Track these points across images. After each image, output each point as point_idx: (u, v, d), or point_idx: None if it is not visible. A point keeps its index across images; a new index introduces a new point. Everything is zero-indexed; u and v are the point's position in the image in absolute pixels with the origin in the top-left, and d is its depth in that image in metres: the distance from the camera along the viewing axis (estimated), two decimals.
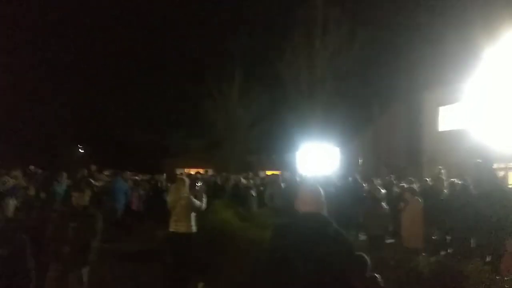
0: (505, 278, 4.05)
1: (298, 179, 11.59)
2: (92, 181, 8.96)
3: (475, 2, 13.95)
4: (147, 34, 38.21)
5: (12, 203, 4.75)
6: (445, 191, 8.12)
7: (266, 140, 18.43)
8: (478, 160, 6.72)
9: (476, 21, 12.36)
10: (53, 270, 4.44)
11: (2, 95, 21.60)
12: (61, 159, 23.39)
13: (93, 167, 11.43)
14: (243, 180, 11.23)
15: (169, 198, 6.37)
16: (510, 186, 8.25)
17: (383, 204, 7.68)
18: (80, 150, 31.99)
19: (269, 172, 20.06)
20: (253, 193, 10.04)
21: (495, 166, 13.40)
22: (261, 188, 11.25)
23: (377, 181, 10.17)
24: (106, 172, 12.06)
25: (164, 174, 14.36)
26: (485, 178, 6.32)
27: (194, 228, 6.23)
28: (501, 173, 13.64)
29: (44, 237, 4.70)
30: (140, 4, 36.93)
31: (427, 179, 10.54)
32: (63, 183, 8.59)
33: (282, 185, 10.74)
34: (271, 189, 10.69)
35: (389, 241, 7.90)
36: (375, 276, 3.16)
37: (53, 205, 6.59)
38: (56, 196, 7.85)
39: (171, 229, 6.17)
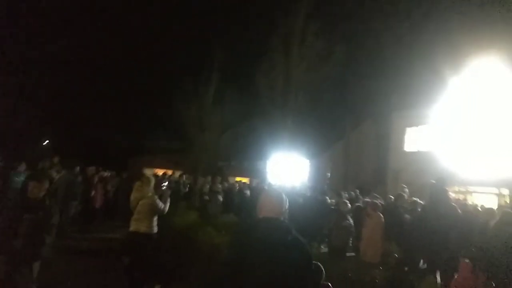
0: None
1: (266, 187, 11.65)
2: (54, 173, 8.64)
3: (443, 32, 14.68)
4: (121, 33, 37.51)
5: None
6: (405, 209, 8.37)
7: (238, 147, 18.46)
8: (433, 181, 6.97)
9: (444, 50, 13.00)
10: (2, 262, 4.24)
11: None
12: (24, 150, 22.45)
13: (56, 159, 11.03)
14: (211, 185, 11.18)
15: (132, 196, 6.20)
16: (466, 208, 8.59)
17: (348, 217, 7.84)
18: (44, 142, 30.83)
19: (238, 179, 20.04)
20: (220, 198, 9.99)
21: (456, 188, 14.03)
22: (228, 193, 11.21)
23: (344, 195, 10.37)
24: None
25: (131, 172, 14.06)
26: (439, 198, 6.56)
27: (155, 229, 6.09)
28: (460, 196, 14.26)
29: None
30: (115, 7, 36.27)
31: (391, 196, 10.85)
32: (21, 173, 8.23)
33: (249, 192, 10.76)
34: (238, 195, 10.70)
35: (349, 254, 8.04)
36: (329, 286, 3.21)
37: (8, 195, 6.29)
38: (12, 186, 7.52)
39: (131, 228, 5.99)
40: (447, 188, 6.88)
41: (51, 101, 27.48)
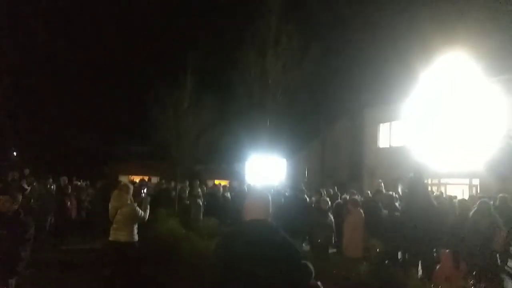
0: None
1: (246, 188, 11.62)
2: (25, 185, 8.29)
3: (413, 27, 15.13)
4: (93, 39, 36.61)
5: None
6: (383, 204, 8.54)
7: (215, 149, 18.29)
8: (411, 174, 7.15)
9: (414, 44, 13.39)
10: None
11: None
12: None
13: (27, 171, 10.62)
14: (190, 189, 11.04)
15: (111, 205, 6.03)
16: (442, 199, 8.87)
17: (329, 215, 7.93)
18: (13, 153, 29.62)
19: (217, 182, 19.91)
20: (200, 202, 9.88)
21: (429, 181, 14.45)
22: (208, 197, 11.11)
23: (324, 192, 10.49)
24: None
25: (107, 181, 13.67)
26: (417, 191, 6.73)
27: (135, 237, 5.96)
28: (434, 188, 14.71)
29: None
30: (94, 8, 35.37)
31: (368, 192, 11.07)
32: None
33: (230, 194, 10.69)
34: (220, 199, 10.62)
35: (332, 250, 8.14)
36: (317, 285, 3.22)
37: None
38: None
39: (111, 238, 5.85)
40: (425, 182, 7.06)
41: (18, 110, 26.48)
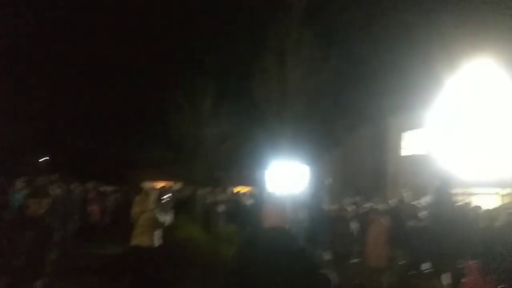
0: None
1: (266, 196, 11.58)
2: (52, 190, 8.54)
3: (438, 33, 14.82)
4: (118, 45, 37.63)
5: None
6: (407, 214, 8.33)
7: (236, 156, 18.41)
8: (438, 184, 6.96)
9: (439, 51, 13.09)
10: (3, 282, 4.16)
11: None
12: (23, 167, 22.31)
13: (55, 175, 10.95)
14: (211, 195, 11.10)
15: (133, 210, 6.15)
16: (468, 210, 8.57)
17: (351, 224, 7.81)
18: (43, 158, 30.70)
19: (238, 188, 19.95)
20: (221, 208, 9.92)
21: (454, 191, 14.01)
22: (229, 204, 11.13)
23: (345, 201, 10.34)
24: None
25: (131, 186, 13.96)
26: (443, 201, 6.55)
27: (157, 243, 6.04)
28: (461, 198, 14.24)
29: None
30: (113, 13, 36.41)
31: (391, 201, 10.83)
32: (21, 191, 8.13)
33: (251, 201, 10.69)
34: (238, 205, 10.63)
35: (354, 260, 7.98)
36: None
37: (8, 213, 6.21)
38: (12, 204, 7.43)
39: (132, 243, 5.95)
40: (451, 191, 6.87)
41: (48, 117, 27.45)
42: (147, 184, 18.23)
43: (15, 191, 8.03)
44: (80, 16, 34.35)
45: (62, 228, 7.43)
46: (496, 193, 15.05)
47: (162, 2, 39.78)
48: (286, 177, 14.63)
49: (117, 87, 31.73)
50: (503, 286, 4.09)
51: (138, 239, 5.92)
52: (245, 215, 9.87)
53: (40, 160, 29.68)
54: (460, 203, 8.43)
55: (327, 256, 8.54)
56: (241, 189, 17.16)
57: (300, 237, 2.54)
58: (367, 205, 10.10)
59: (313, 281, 2.45)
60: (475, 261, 4.36)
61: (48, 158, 29.60)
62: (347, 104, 19.94)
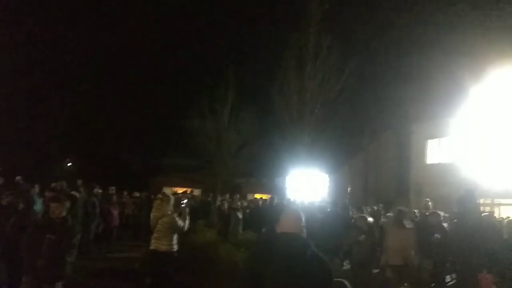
0: None
1: (285, 203, 11.51)
2: (75, 194, 8.77)
3: (463, 41, 14.47)
4: (139, 54, 38.54)
5: None
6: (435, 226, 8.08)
7: (256, 163, 18.43)
8: (463, 194, 6.75)
9: (464, 58, 12.78)
10: (26, 283, 4.27)
11: None
12: (48, 171, 23.04)
13: (79, 181, 11.23)
14: (229, 202, 11.12)
15: (152, 215, 6.23)
16: (492, 221, 8.27)
17: (369, 232, 7.64)
18: (67, 164, 31.62)
19: (258, 196, 19.93)
20: (239, 215, 9.92)
21: (481, 201, 13.56)
22: (247, 210, 11.14)
23: (366, 210, 10.15)
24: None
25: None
26: (468, 211, 6.34)
27: (175, 247, 6.08)
28: (486, 208, 13.75)
29: (19, 248, 4.56)
30: (134, 21, 37.38)
31: (415, 210, 10.56)
32: (44, 195, 8.37)
33: (268, 207, 10.64)
34: (256, 211, 10.61)
35: (375, 271, 7.80)
36: None
37: (31, 216, 6.40)
38: (37, 207, 7.65)
39: (151, 247, 6.02)
40: (477, 201, 6.64)
41: (74, 123, 28.29)
42: (167, 190, 18.48)
43: (38, 195, 8.27)
44: (113, 27, 35.38)
45: (83, 231, 7.58)
46: None
47: (183, 12, 40.54)
48: (305, 185, 14.52)
49: (141, 97, 32.48)
50: None
51: (157, 243, 5.98)
52: (261, 221, 9.84)
53: (66, 165, 30.60)
54: (485, 213, 8.14)
55: (346, 265, 8.39)
56: (260, 196, 17.13)
57: (316, 245, 2.50)
58: (389, 214, 9.89)
59: (326, 286, 2.41)
60: (488, 274, 4.19)
61: (72, 163, 30.49)
62: (370, 110, 19.67)
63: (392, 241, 6.51)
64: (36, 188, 8.63)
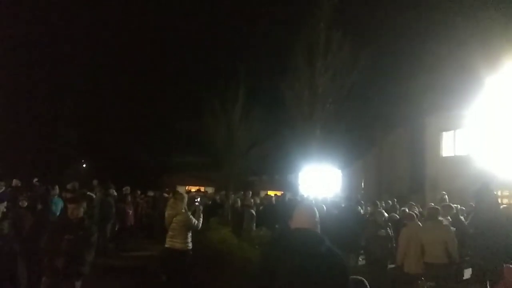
0: None
1: (299, 199, 11.50)
2: (91, 195, 8.91)
3: (478, 30, 14.16)
4: (150, 53, 38.82)
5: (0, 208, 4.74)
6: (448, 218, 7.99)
7: (268, 160, 18.43)
8: (479, 186, 6.63)
9: (479, 48, 12.51)
10: (45, 282, 4.37)
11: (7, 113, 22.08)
12: (64, 173, 23.48)
13: (95, 182, 11.42)
14: (242, 199, 11.14)
15: (166, 213, 6.30)
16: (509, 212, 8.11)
17: (386, 228, 7.58)
18: (83, 165, 32.17)
19: (270, 193, 19.93)
20: (252, 212, 9.94)
21: (498, 192, 13.31)
22: (260, 207, 11.15)
23: (381, 205, 10.06)
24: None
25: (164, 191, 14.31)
26: (485, 203, 6.23)
27: (189, 245, 6.14)
28: (504, 200, 13.50)
29: (38, 248, 4.67)
30: (144, 20, 37.58)
31: (432, 204, 10.42)
32: (62, 196, 8.53)
33: (281, 204, 10.63)
34: (269, 208, 10.61)
35: (390, 266, 7.74)
36: None
37: (49, 216, 6.54)
38: (55, 209, 7.80)
39: (166, 245, 6.09)
40: (494, 194, 6.51)
41: (89, 125, 28.74)
42: (180, 188, 18.62)
43: (56, 196, 8.42)
44: (128, 29, 35.70)
45: (100, 230, 7.71)
46: None
47: (194, 10, 40.70)
48: (318, 181, 14.47)
49: (154, 97, 32.76)
50: None
51: (172, 241, 6.05)
52: (275, 217, 9.84)
53: (81, 166, 31.13)
54: (504, 206, 8.00)
55: (361, 261, 8.35)
56: (273, 193, 17.12)
57: (331, 241, 2.48)
58: (403, 208, 9.79)
59: (342, 282, 2.39)
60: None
61: (87, 164, 31.00)
62: (382, 103, 19.42)
63: (428, 238, 6.31)
64: (56, 190, 8.80)
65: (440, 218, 6.60)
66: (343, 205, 10.41)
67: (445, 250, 6.03)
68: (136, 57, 38.05)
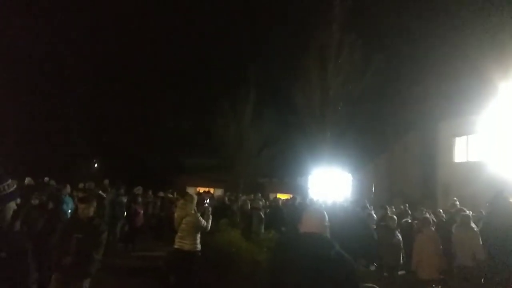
0: None
1: (308, 203, 11.43)
2: (102, 194, 8.99)
3: (491, 36, 13.95)
4: (163, 54, 39.15)
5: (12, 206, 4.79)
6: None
7: (278, 163, 18.39)
8: (495, 193, 6.54)
9: (492, 54, 12.33)
10: (55, 280, 4.41)
11: (21, 112, 22.45)
12: (76, 172, 23.74)
13: (106, 181, 11.51)
14: (252, 201, 11.11)
15: (176, 214, 6.32)
16: None
17: (396, 233, 7.48)
18: (94, 165, 32.50)
19: (280, 195, 19.88)
20: (262, 214, 9.90)
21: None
22: (268, 210, 11.10)
23: (391, 210, 9.95)
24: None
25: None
26: (500, 209, 6.12)
27: (198, 246, 6.14)
28: None
29: (49, 246, 4.71)
30: (157, 24, 37.96)
31: (441, 210, 10.28)
32: (72, 196, 8.63)
33: (291, 207, 10.57)
34: (278, 211, 10.55)
35: (401, 272, 7.63)
36: None
37: (60, 215, 6.61)
38: (65, 208, 7.89)
39: (175, 246, 6.09)
40: (508, 201, 6.41)
41: (100, 124, 29.05)
42: (190, 189, 18.68)
43: (66, 196, 8.51)
44: (140, 29, 36.07)
45: (110, 230, 7.77)
46: None
47: (205, 12, 40.91)
48: (328, 185, 14.37)
49: (166, 98, 32.99)
50: None
51: (181, 242, 6.05)
52: (281, 221, 9.79)
53: (93, 166, 31.47)
54: None
55: (372, 267, 8.23)
56: (283, 196, 17.07)
57: (340, 246, 2.44)
58: (415, 214, 9.65)
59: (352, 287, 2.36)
60: None
61: (98, 164, 31.33)
62: (395, 107, 19.24)
63: (460, 243, 6.55)
64: (68, 188, 8.89)
65: (472, 225, 6.74)
66: (350, 209, 10.32)
67: (473, 254, 6.31)
68: (147, 60, 38.43)
